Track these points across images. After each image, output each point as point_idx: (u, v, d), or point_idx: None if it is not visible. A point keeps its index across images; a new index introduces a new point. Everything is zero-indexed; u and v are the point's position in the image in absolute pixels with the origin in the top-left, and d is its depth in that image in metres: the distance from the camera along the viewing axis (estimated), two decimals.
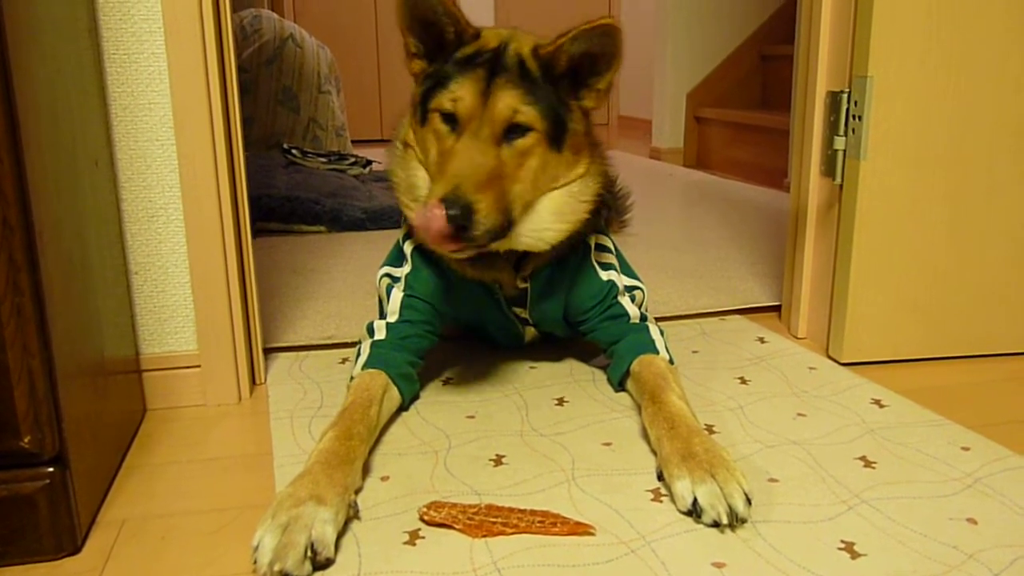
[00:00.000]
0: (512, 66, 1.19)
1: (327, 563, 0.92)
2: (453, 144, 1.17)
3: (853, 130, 1.49)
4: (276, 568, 0.88)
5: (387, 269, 1.44)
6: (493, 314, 1.44)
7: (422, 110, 1.23)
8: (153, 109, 1.33)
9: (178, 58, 1.31)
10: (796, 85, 1.67)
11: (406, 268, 1.40)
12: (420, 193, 1.27)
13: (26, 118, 0.92)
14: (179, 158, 1.34)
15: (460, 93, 1.17)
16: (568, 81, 1.23)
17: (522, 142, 1.19)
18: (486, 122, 1.16)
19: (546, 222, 1.26)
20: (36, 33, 0.99)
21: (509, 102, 1.16)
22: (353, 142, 4.09)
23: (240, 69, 3.43)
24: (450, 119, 1.19)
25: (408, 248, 1.41)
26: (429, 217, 1.08)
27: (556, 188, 1.26)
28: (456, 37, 1.21)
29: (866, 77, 1.44)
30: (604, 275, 1.42)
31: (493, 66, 1.18)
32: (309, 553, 0.90)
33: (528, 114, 1.17)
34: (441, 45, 1.23)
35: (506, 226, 1.17)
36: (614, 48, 1.19)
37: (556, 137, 1.21)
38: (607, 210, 1.57)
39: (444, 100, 1.18)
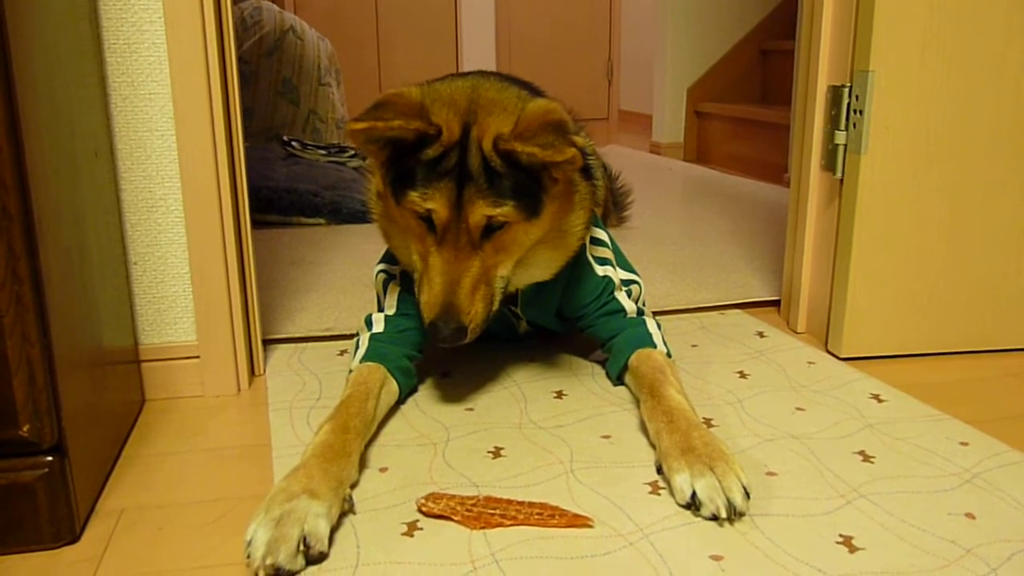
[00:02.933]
0: (477, 170, 1.16)
1: (320, 557, 0.92)
2: (434, 251, 1.20)
3: (854, 124, 1.49)
4: (268, 562, 0.88)
5: (383, 266, 1.44)
6: None
7: (394, 193, 1.21)
8: (153, 99, 1.33)
9: (178, 48, 1.30)
10: (797, 79, 1.67)
11: (402, 264, 1.40)
12: (397, 236, 1.32)
13: (26, 107, 0.92)
14: (179, 149, 1.33)
15: (433, 206, 1.16)
16: (530, 165, 1.19)
17: (500, 234, 1.20)
18: (463, 231, 1.18)
19: (539, 266, 1.32)
20: (36, 22, 0.99)
21: (481, 212, 1.16)
22: None
23: (240, 60, 3.43)
24: (426, 219, 1.19)
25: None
26: (431, 334, 1.20)
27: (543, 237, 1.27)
28: (417, 138, 1.16)
29: (867, 71, 1.44)
30: (600, 270, 1.42)
31: (460, 172, 1.16)
32: (302, 547, 0.90)
33: (501, 214, 1.17)
34: (401, 142, 1.18)
35: (497, 300, 1.24)
36: (570, 169, 1.20)
37: (533, 210, 1.20)
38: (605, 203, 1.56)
39: (417, 203, 1.17)
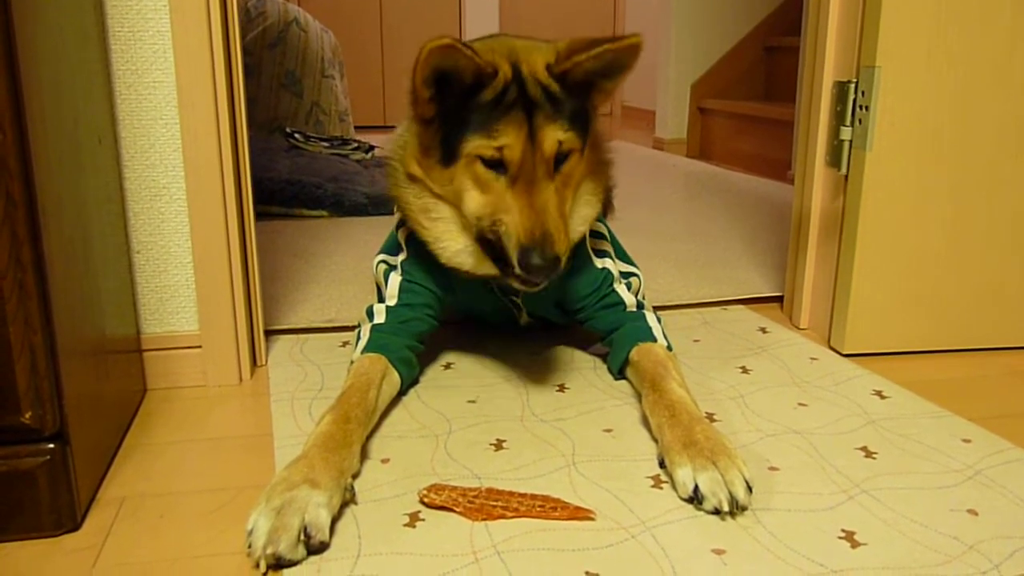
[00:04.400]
0: (541, 98, 1.17)
1: (321, 547, 0.92)
2: (508, 191, 1.17)
3: (860, 120, 1.48)
4: (269, 551, 0.88)
5: (383, 256, 1.44)
6: (487, 299, 1.44)
7: (446, 151, 1.20)
8: (157, 87, 1.32)
9: (183, 37, 1.30)
10: (803, 74, 1.67)
11: (402, 256, 1.40)
12: (436, 215, 1.28)
13: (30, 94, 0.92)
14: (183, 137, 1.33)
15: (507, 141, 1.14)
16: (582, 87, 1.22)
17: (567, 166, 1.20)
18: (539, 162, 1.16)
19: (576, 222, 1.30)
20: (40, 9, 0.98)
21: (555, 136, 1.16)
22: (356, 127, 4.08)
23: (244, 52, 3.42)
24: (493, 164, 1.17)
25: (402, 237, 1.41)
26: (526, 267, 1.13)
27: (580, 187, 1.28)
28: (475, 78, 1.16)
29: (874, 67, 1.43)
30: (599, 263, 1.42)
31: (525, 103, 1.16)
32: (303, 537, 0.90)
33: (570, 140, 1.18)
34: (454, 88, 1.17)
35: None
36: (632, 61, 1.20)
37: (584, 140, 1.22)
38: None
39: (485, 147, 1.15)
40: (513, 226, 1.15)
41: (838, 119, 1.53)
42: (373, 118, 5.55)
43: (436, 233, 1.29)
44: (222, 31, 1.33)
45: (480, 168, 1.17)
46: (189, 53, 1.30)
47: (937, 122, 1.46)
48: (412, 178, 1.28)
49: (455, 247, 1.28)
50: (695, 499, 1.01)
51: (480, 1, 5.98)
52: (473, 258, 1.27)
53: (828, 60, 1.56)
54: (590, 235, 1.43)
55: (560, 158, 1.18)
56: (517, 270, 1.15)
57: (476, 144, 1.16)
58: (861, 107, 1.48)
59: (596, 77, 1.21)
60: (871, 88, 1.44)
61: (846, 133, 1.51)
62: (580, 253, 1.40)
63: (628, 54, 1.18)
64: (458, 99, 1.17)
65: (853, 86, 1.49)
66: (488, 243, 1.20)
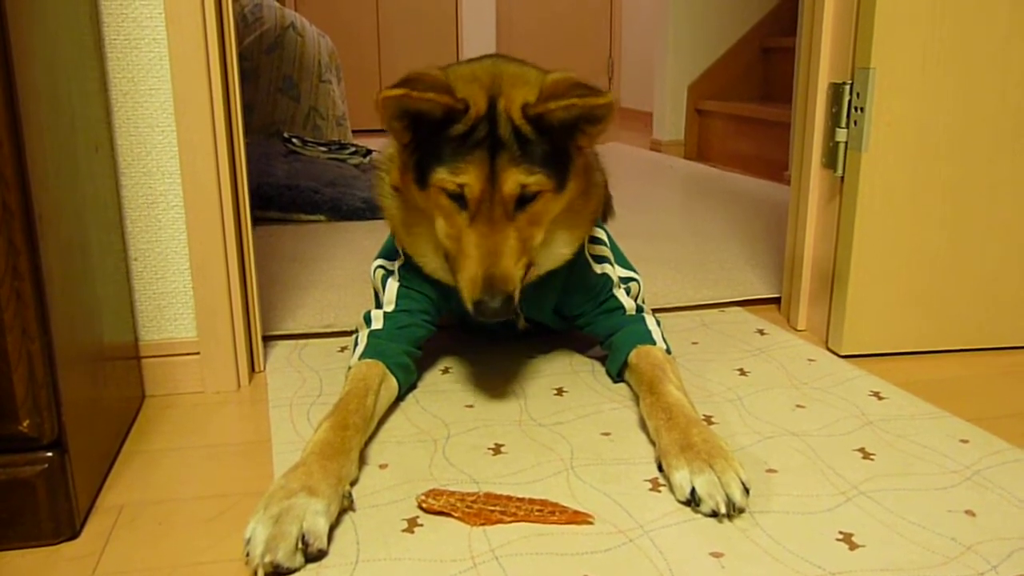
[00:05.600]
0: (508, 138, 1.15)
1: (319, 555, 0.92)
2: (467, 227, 1.17)
3: (855, 122, 1.49)
4: (267, 559, 0.88)
5: (381, 261, 1.44)
6: None
7: (419, 175, 1.20)
8: (154, 95, 1.33)
9: (179, 44, 1.30)
10: (798, 76, 1.67)
11: (399, 261, 1.40)
12: (417, 230, 1.31)
13: (26, 102, 0.92)
14: (179, 145, 1.33)
15: (466, 180, 1.15)
16: (561, 129, 1.19)
17: (536, 205, 1.19)
18: (497, 203, 1.16)
19: (559, 245, 1.31)
20: (36, 17, 0.99)
21: (516, 180, 1.15)
22: (353, 131, 4.08)
23: (241, 57, 3.42)
24: (457, 197, 1.18)
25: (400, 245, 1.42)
26: (477, 311, 1.16)
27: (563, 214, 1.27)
28: (445, 113, 1.15)
29: (869, 69, 1.43)
30: (598, 268, 1.42)
31: (491, 142, 1.15)
32: (301, 545, 0.90)
33: (534, 183, 1.17)
34: (425, 119, 1.17)
35: (529, 273, 1.24)
36: (606, 115, 1.18)
37: (561, 181, 1.20)
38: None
39: (448, 181, 1.16)
40: (463, 269, 1.18)
41: (833, 121, 1.53)
42: (370, 122, 5.50)
43: (417, 247, 1.33)
44: (218, 38, 1.33)
45: (445, 199, 1.19)
46: (185, 60, 1.31)
47: (933, 122, 1.47)
48: (396, 190, 1.30)
49: (433, 264, 1.32)
50: (692, 502, 1.01)
51: (477, 8, 5.98)
52: (450, 275, 1.28)
53: (823, 62, 1.57)
54: (589, 241, 1.43)
55: (528, 197, 1.18)
56: (469, 308, 1.17)
57: (441, 177, 1.16)
58: (856, 108, 1.48)
59: (577, 121, 1.18)
60: (866, 89, 1.45)
61: (841, 135, 1.52)
62: (579, 260, 1.40)
63: (601, 109, 1.16)
64: (431, 129, 1.17)
65: (848, 87, 1.49)
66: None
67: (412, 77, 1.14)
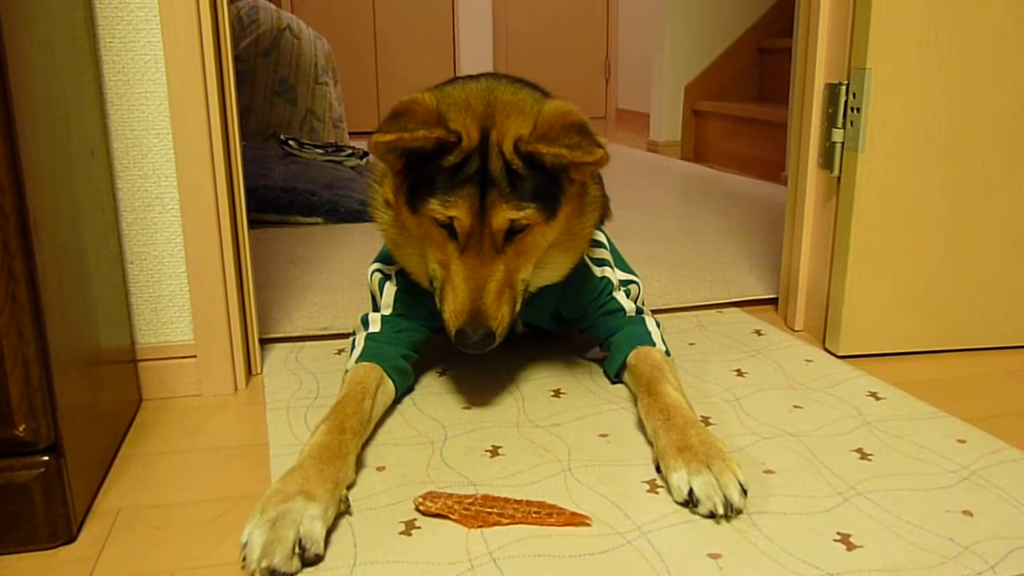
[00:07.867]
0: (500, 174, 1.15)
1: (316, 559, 0.92)
2: (456, 258, 1.18)
3: (851, 122, 1.49)
4: (264, 564, 0.88)
5: (378, 265, 1.44)
6: None
7: (410, 201, 1.20)
8: (149, 98, 1.32)
9: (174, 47, 1.30)
10: (794, 77, 1.67)
11: (397, 266, 1.40)
12: (406, 248, 1.32)
13: (21, 105, 0.92)
14: (175, 147, 1.33)
15: (456, 213, 1.15)
16: (553, 165, 1.18)
17: (521, 237, 1.19)
18: (486, 236, 1.17)
19: (552, 268, 1.31)
20: (31, 19, 0.99)
21: (506, 215, 1.15)
22: (350, 133, 4.08)
23: (237, 60, 3.42)
24: (447, 227, 1.18)
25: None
26: (458, 341, 1.18)
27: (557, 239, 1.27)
28: (437, 145, 1.15)
29: (864, 69, 1.44)
30: (598, 271, 1.42)
31: (481, 178, 1.15)
32: (297, 549, 0.90)
33: (529, 217, 1.17)
34: (416, 151, 1.17)
35: (519, 303, 1.24)
36: (597, 165, 1.18)
37: (552, 212, 1.20)
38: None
39: (439, 214, 1.16)
40: (449, 300, 1.19)
41: (830, 121, 1.54)
42: (367, 124, 5.53)
43: (408, 263, 1.34)
44: (213, 41, 1.33)
45: (435, 228, 1.19)
46: (181, 63, 1.30)
47: (930, 123, 1.47)
48: (388, 204, 1.30)
49: (424, 281, 1.32)
50: (690, 503, 1.01)
51: (473, 9, 5.98)
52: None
53: (819, 62, 1.57)
54: (589, 244, 1.42)
55: (518, 229, 1.18)
56: (451, 336, 1.18)
57: (432, 207, 1.16)
58: (852, 109, 1.48)
59: (568, 165, 1.17)
60: (862, 90, 1.45)
61: (838, 135, 1.52)
62: (579, 266, 1.39)
63: (590, 167, 1.17)
64: (423, 158, 1.17)
65: (844, 88, 1.49)
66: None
67: (402, 110, 1.15)
